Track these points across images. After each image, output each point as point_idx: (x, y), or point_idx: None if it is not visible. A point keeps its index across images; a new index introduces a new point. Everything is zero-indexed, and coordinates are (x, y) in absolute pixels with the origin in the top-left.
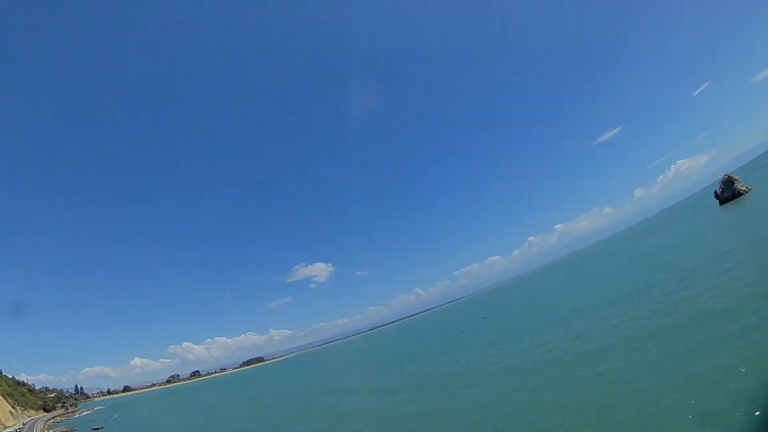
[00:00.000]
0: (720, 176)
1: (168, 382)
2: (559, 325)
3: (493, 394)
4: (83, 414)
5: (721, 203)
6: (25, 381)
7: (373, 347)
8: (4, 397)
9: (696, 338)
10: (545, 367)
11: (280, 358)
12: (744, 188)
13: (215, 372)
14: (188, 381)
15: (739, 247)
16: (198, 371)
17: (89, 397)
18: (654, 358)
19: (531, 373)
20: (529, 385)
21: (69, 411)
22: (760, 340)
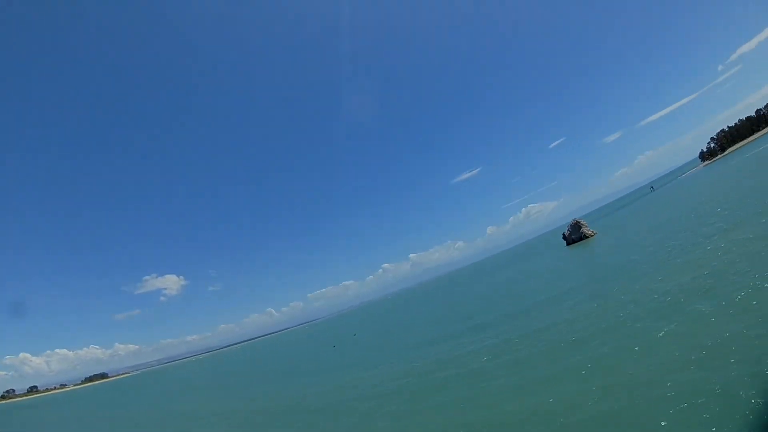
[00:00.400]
0: (565, 221)
1: (2, 398)
2: (419, 350)
3: (349, 423)
4: None
5: (568, 244)
6: None
7: (227, 367)
8: None
9: (550, 367)
10: (405, 393)
11: (125, 375)
12: (590, 232)
13: (54, 388)
14: (25, 397)
15: (584, 284)
16: (36, 386)
17: None
18: (514, 385)
19: (391, 397)
20: (390, 410)
21: None
22: (607, 368)
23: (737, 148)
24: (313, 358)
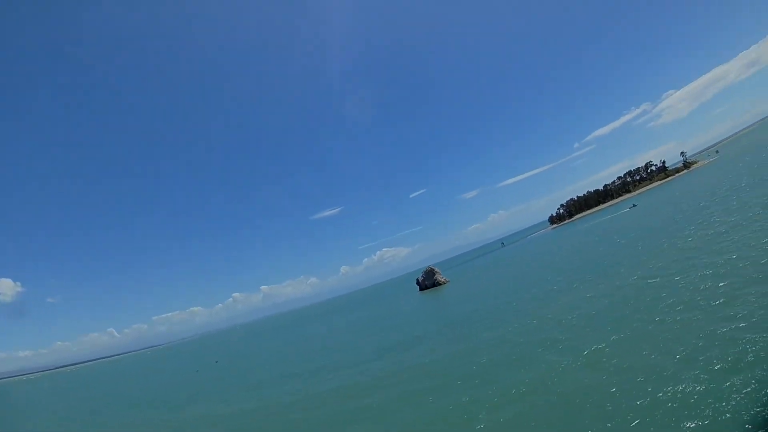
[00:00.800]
0: (418, 267)
1: None
2: (272, 387)
3: None
4: None
5: (421, 290)
6: None
7: (65, 391)
8: None
9: (408, 414)
10: None
11: None
12: (443, 280)
13: None
14: None
15: (439, 330)
16: None
17: None
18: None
19: None
20: None
21: None
22: (468, 417)
23: (584, 216)
24: (152, 388)
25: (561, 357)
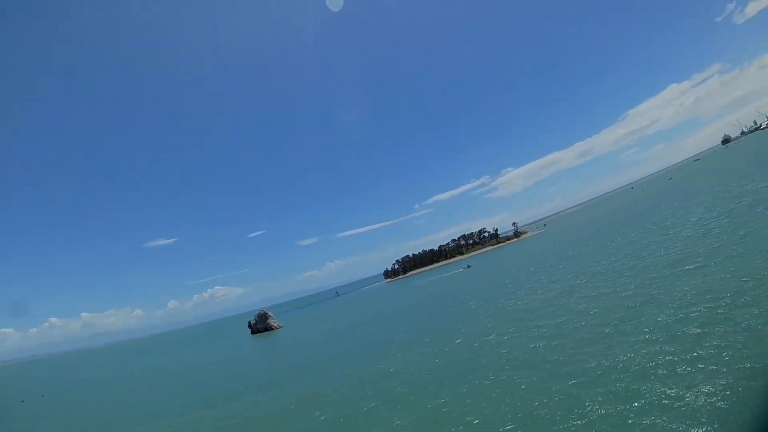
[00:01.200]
0: (250, 308)
1: None
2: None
3: None
4: None
5: (253, 333)
6: None
7: None
8: None
9: None
10: None
11: None
12: (275, 324)
13: None
14: None
15: (272, 379)
16: None
17: None
18: None
19: None
20: None
21: None
22: None
23: (418, 273)
24: None
25: (401, 412)
